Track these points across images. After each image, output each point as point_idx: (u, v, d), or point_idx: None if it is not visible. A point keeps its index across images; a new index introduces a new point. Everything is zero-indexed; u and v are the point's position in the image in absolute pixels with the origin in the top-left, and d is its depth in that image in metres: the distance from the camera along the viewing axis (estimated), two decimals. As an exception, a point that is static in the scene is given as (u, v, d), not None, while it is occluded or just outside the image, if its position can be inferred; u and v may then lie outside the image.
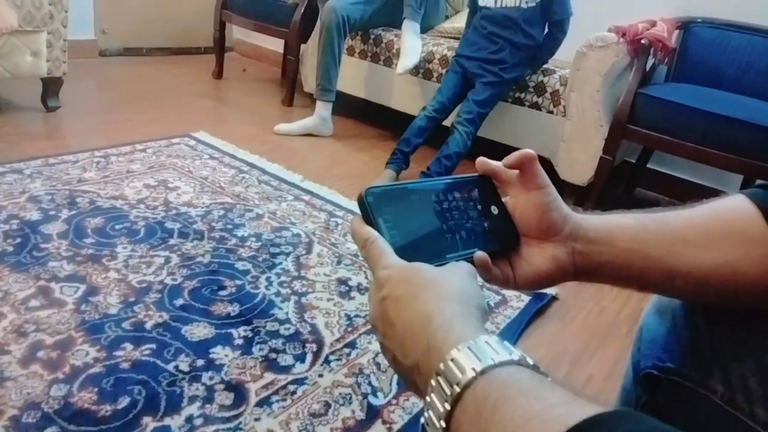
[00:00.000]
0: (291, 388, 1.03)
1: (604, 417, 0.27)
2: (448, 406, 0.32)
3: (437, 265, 0.45)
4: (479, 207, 0.52)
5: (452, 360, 0.34)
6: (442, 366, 0.34)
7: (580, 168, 2.14)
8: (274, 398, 1.00)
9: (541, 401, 0.30)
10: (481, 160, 0.53)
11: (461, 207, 0.51)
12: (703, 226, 0.48)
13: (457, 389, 0.32)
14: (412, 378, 0.39)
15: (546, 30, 2.17)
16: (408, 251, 0.45)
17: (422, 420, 0.35)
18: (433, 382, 0.34)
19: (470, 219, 0.51)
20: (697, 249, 0.47)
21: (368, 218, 0.47)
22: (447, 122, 2.23)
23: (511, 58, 2.13)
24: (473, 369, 0.33)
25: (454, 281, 0.42)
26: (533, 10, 2.11)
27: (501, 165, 0.52)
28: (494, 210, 0.53)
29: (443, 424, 0.33)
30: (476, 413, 0.31)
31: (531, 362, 0.34)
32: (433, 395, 0.34)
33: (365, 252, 0.45)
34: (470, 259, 0.48)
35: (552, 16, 2.12)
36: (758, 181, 0.51)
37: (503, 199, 0.54)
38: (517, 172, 0.52)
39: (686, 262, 0.47)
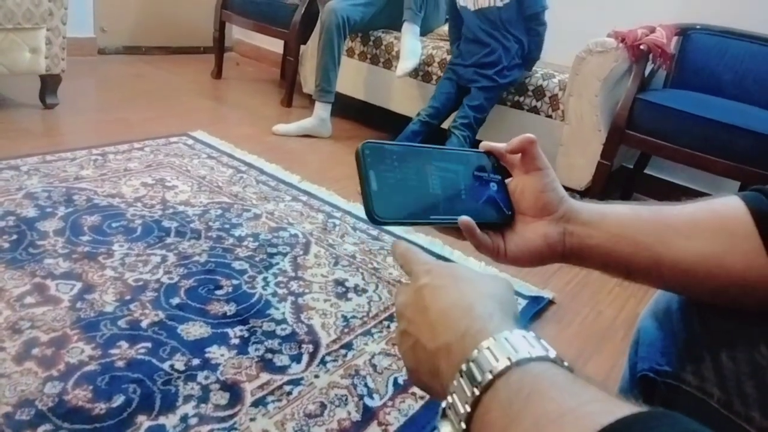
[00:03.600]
0: (287, 388, 1.02)
1: (639, 417, 0.27)
2: (477, 392, 0.33)
3: (419, 224, 0.49)
4: (478, 179, 0.54)
5: (488, 348, 0.34)
6: (475, 353, 0.35)
7: (578, 172, 2.15)
8: (270, 398, 0.99)
9: (574, 397, 0.30)
10: (485, 144, 0.56)
11: (460, 176, 0.53)
12: (693, 217, 0.49)
13: (490, 376, 0.33)
14: (435, 363, 0.39)
15: (526, 27, 2.18)
16: (392, 205, 0.47)
17: (443, 404, 0.35)
18: (463, 367, 0.34)
19: (466, 189, 0.53)
20: (684, 238, 0.48)
21: (360, 170, 0.48)
22: (446, 125, 2.23)
23: (505, 60, 2.15)
24: (508, 359, 0.33)
25: (494, 285, 0.44)
26: (509, 8, 2.12)
27: (505, 148, 0.55)
28: (493, 186, 0.54)
29: (468, 409, 0.33)
30: (508, 402, 0.31)
31: (566, 363, 0.34)
32: (461, 380, 0.34)
33: (402, 260, 0.48)
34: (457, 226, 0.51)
35: (528, 10, 2.13)
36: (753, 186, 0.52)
37: (507, 180, 0.56)
38: (519, 155, 0.54)
39: (673, 250, 0.48)
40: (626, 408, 0.28)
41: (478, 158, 0.55)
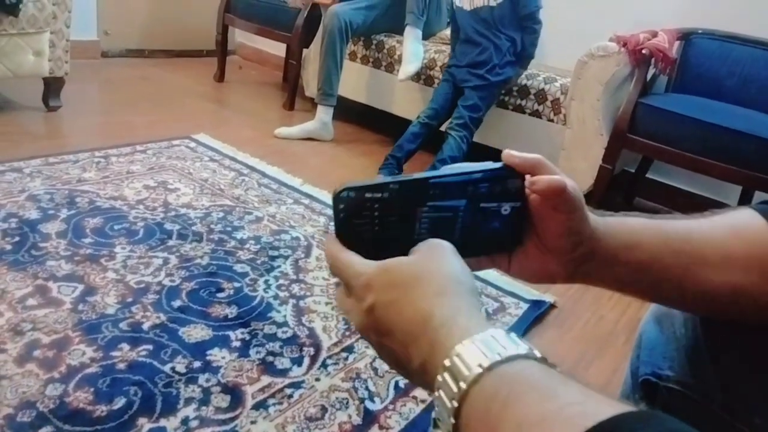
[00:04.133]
0: (288, 391, 1.02)
1: (621, 419, 0.26)
2: (455, 403, 0.32)
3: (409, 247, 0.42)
4: (482, 212, 0.44)
5: (458, 356, 0.33)
6: (447, 362, 0.33)
7: (580, 176, 2.14)
8: (271, 401, 0.99)
9: (554, 399, 0.29)
10: (508, 155, 0.45)
11: (458, 213, 0.44)
12: (723, 247, 0.46)
13: (464, 386, 0.32)
14: (421, 379, 0.38)
15: (521, 26, 2.19)
16: (368, 254, 0.42)
17: (433, 414, 0.35)
18: (439, 378, 0.34)
19: (463, 227, 0.44)
20: (715, 271, 0.46)
21: (335, 219, 0.43)
22: (444, 127, 2.24)
23: (495, 58, 2.16)
24: (479, 365, 0.32)
25: (441, 269, 0.39)
26: (502, 7, 2.14)
27: (527, 181, 0.45)
28: (504, 212, 0.45)
29: (452, 420, 0.32)
30: (485, 410, 0.31)
31: (539, 355, 0.33)
32: (440, 392, 0.33)
33: (332, 266, 0.43)
34: None
35: (523, 10, 2.15)
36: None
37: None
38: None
39: (702, 282, 0.46)
40: (607, 407, 0.27)
41: (492, 180, 0.44)
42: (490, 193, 0.44)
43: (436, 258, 0.40)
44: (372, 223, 0.42)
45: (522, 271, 0.48)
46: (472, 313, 0.37)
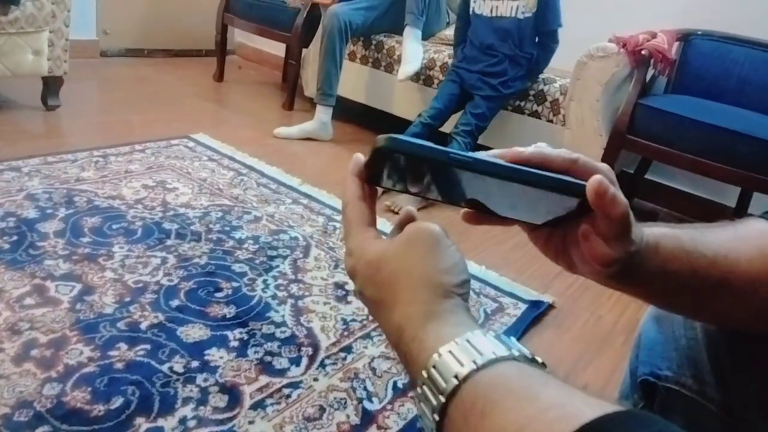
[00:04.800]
0: (286, 391, 1.02)
1: (605, 421, 0.26)
2: (437, 417, 0.32)
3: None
4: (536, 201, 0.40)
5: (434, 366, 0.33)
6: (424, 374, 0.33)
7: (579, 177, 2.14)
8: (269, 401, 0.99)
9: (533, 403, 0.28)
10: (597, 191, 0.38)
11: (509, 195, 0.40)
12: (749, 271, 0.45)
13: (443, 399, 0.31)
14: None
15: (538, 41, 2.19)
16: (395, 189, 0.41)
17: (418, 425, 0.34)
18: (419, 390, 0.33)
19: (508, 202, 0.41)
20: (741, 296, 0.45)
21: (371, 171, 0.40)
22: (445, 129, 2.23)
23: (510, 72, 2.15)
24: (455, 376, 0.31)
25: (421, 267, 0.38)
26: (528, 21, 2.13)
27: (608, 208, 0.39)
28: (552, 210, 0.41)
29: None
30: (464, 421, 0.30)
31: (517, 353, 0.32)
32: (421, 404, 0.33)
33: (342, 212, 0.42)
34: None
35: (545, 26, 2.14)
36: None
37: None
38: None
39: (729, 307, 0.46)
40: (590, 408, 0.27)
41: (563, 193, 0.39)
42: (552, 199, 0.39)
43: (420, 253, 0.38)
44: (407, 177, 0.39)
45: (538, 244, 0.46)
46: (448, 317, 0.36)
